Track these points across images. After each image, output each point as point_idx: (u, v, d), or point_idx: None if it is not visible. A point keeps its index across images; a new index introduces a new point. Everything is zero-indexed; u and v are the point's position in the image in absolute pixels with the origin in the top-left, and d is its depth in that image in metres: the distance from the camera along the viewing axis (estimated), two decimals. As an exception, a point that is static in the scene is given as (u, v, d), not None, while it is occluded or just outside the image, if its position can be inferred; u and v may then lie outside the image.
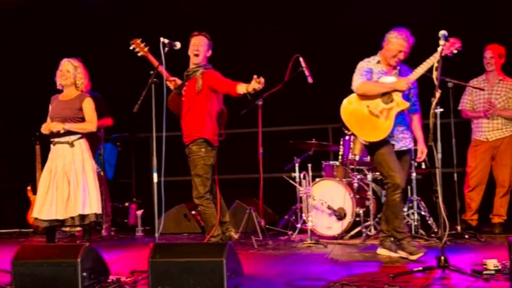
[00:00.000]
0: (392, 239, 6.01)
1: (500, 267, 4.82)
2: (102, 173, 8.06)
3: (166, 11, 9.74)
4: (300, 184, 7.63)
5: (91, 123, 6.30)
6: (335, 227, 7.49)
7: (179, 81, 6.70)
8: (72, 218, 6.06)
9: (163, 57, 5.82)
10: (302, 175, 7.59)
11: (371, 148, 6.02)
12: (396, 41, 5.86)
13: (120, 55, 8.26)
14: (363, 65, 5.99)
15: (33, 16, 10.05)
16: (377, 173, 7.24)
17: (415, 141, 6.20)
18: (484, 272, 4.78)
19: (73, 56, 6.50)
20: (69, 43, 9.46)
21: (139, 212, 8.70)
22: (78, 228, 6.70)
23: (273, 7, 9.41)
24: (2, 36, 10.10)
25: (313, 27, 9.28)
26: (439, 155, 5.08)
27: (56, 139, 6.24)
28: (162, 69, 6.04)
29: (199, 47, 6.53)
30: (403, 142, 6.02)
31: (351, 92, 6.00)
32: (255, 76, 5.93)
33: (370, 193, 7.42)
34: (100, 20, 9.82)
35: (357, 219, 7.41)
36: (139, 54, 6.80)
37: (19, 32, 10.06)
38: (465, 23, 8.16)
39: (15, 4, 10.03)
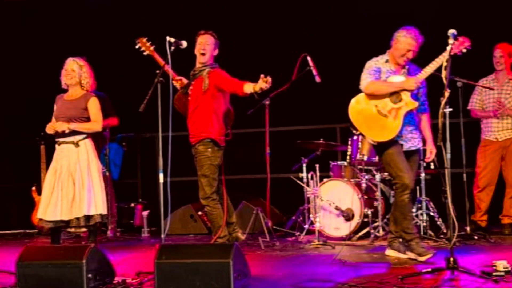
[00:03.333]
0: (400, 240, 5.97)
1: (510, 269, 4.78)
2: (107, 174, 8.04)
3: (171, 10, 9.71)
4: (308, 185, 7.59)
5: (96, 123, 6.27)
6: (343, 228, 7.44)
7: (185, 80, 6.66)
8: (77, 219, 6.04)
9: (169, 56, 5.80)
10: (309, 176, 7.54)
11: (380, 148, 5.97)
12: (405, 40, 5.81)
13: (126, 54, 8.23)
14: (371, 64, 5.95)
15: (35, 15, 10.05)
16: (386, 174, 7.21)
17: (424, 141, 6.14)
18: (494, 274, 4.73)
19: (78, 55, 6.48)
20: (74, 42, 9.45)
21: (145, 213, 8.67)
22: (83, 229, 6.70)
23: (280, 5, 9.38)
24: (6, 35, 10.09)
25: (320, 26, 9.25)
26: (448, 155, 5.04)
27: (61, 139, 6.21)
28: (168, 68, 6.02)
29: (205, 46, 6.49)
30: (411, 142, 5.97)
31: (359, 91, 5.96)
32: (262, 76, 5.89)
33: (378, 193, 7.37)
34: (105, 19, 9.80)
35: (365, 220, 7.36)
36: (145, 53, 6.77)
37: (23, 31, 10.05)
38: (473, 22, 8.10)
39: (17, 3, 10.02)
